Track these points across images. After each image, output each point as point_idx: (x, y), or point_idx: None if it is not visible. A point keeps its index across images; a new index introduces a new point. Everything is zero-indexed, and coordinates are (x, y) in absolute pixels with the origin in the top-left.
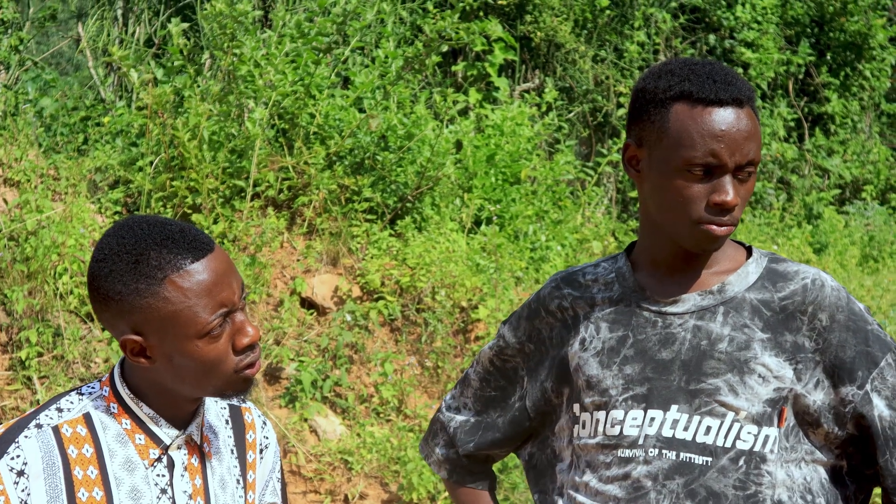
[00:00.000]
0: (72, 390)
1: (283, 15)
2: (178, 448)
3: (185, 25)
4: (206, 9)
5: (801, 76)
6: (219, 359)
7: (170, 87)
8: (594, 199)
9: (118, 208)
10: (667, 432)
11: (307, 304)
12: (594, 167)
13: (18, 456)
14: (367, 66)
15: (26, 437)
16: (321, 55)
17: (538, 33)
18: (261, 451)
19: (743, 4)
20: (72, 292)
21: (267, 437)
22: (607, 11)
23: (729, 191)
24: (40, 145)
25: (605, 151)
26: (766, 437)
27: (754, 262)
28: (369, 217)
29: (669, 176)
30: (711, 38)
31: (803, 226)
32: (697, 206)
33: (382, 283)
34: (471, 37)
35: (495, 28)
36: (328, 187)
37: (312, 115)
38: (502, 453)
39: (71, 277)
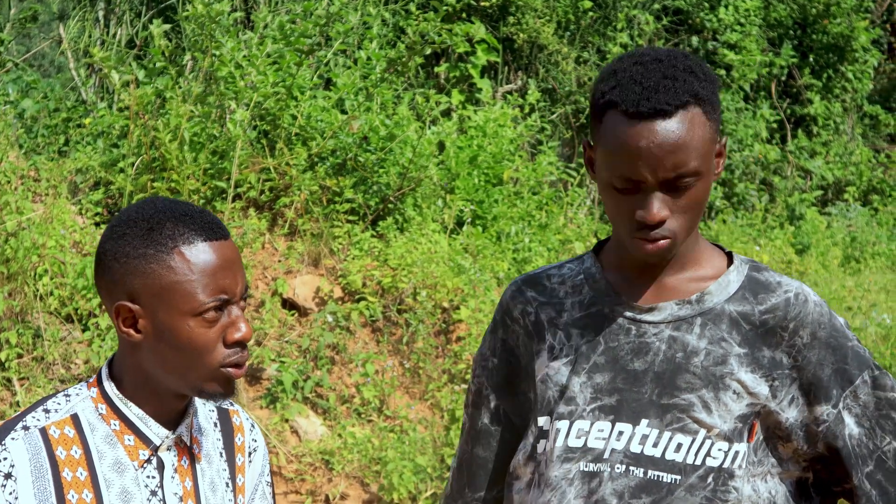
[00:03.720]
0: (58, 392)
1: (265, 16)
2: (168, 449)
3: (167, 27)
4: (187, 10)
5: (783, 78)
6: (206, 346)
7: (151, 88)
8: (576, 200)
9: (99, 210)
10: (635, 448)
11: (288, 304)
12: (577, 168)
13: (5, 458)
14: (349, 68)
15: (13, 439)
16: (303, 57)
17: (521, 35)
18: (249, 454)
19: (726, 6)
20: (52, 294)
21: (255, 441)
22: (590, 13)
23: (650, 207)
24: (21, 146)
25: None
26: (736, 452)
27: (735, 271)
28: (351, 218)
29: (604, 186)
30: (694, 39)
31: (786, 227)
32: (626, 220)
33: (364, 284)
34: (453, 38)
35: (478, 29)
36: (310, 188)
37: (294, 117)
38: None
39: (51, 279)
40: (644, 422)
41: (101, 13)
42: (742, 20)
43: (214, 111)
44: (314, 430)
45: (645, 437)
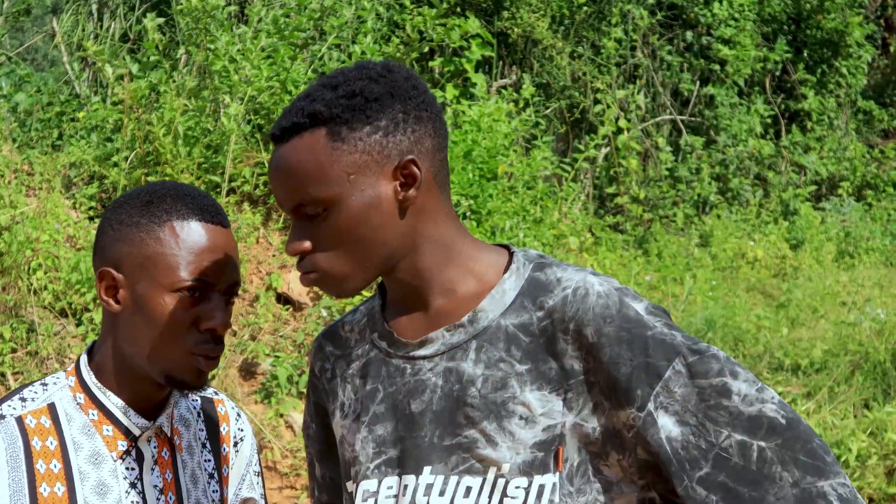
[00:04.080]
0: (36, 381)
1: (259, 10)
2: (148, 441)
3: (161, 20)
4: (181, 3)
5: (777, 73)
6: (177, 326)
7: (145, 82)
8: (571, 195)
9: (93, 204)
10: (420, 500)
11: (283, 299)
12: (571, 163)
13: None
14: (343, 62)
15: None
16: (297, 51)
17: (515, 29)
18: (235, 444)
19: (720, 1)
20: (46, 288)
21: (242, 430)
22: (584, 8)
23: (290, 237)
24: (14, 140)
25: (581, 147)
26: (541, 486)
27: (513, 275)
28: None
29: None
30: (689, 34)
31: (780, 222)
32: None
33: None
34: (448, 33)
35: (472, 24)
36: None
37: None
38: None
39: (45, 273)
40: (427, 469)
41: (94, 7)
42: (736, 15)
43: (209, 105)
44: None
45: (430, 486)
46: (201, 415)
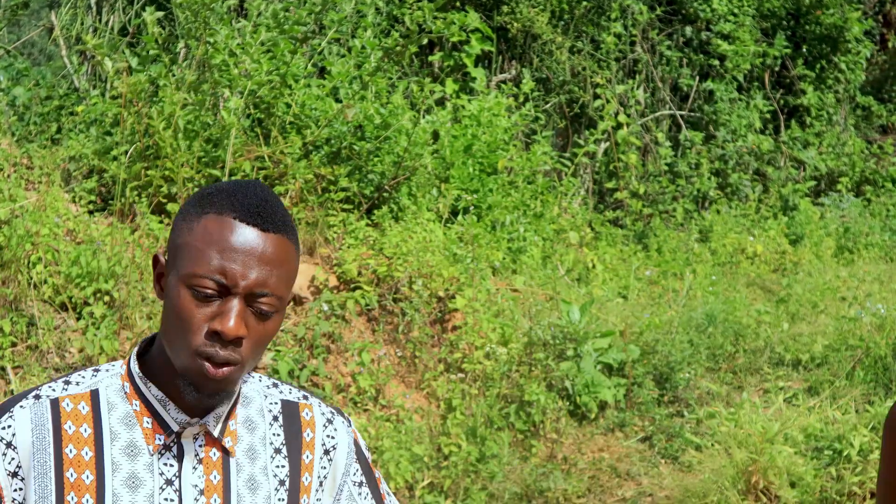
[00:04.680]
0: (91, 366)
1: (259, 4)
2: (194, 438)
3: (160, 14)
4: None
5: (777, 68)
6: (188, 321)
7: (144, 76)
8: (571, 190)
9: (92, 197)
10: None
11: None
12: (571, 158)
13: (9, 426)
14: (343, 56)
15: (21, 407)
16: (297, 45)
17: (515, 24)
18: (326, 451)
19: None
20: (46, 282)
21: (333, 437)
22: (584, 3)
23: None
24: (13, 134)
25: (581, 142)
26: None
27: None
28: (346, 207)
29: None
30: (688, 29)
31: (779, 217)
32: None
33: (359, 273)
34: (448, 28)
35: (472, 18)
36: (304, 177)
37: (288, 105)
38: None
39: (45, 267)
40: None
41: (93, 1)
42: (735, 10)
43: (208, 99)
44: None
45: None
46: (278, 418)
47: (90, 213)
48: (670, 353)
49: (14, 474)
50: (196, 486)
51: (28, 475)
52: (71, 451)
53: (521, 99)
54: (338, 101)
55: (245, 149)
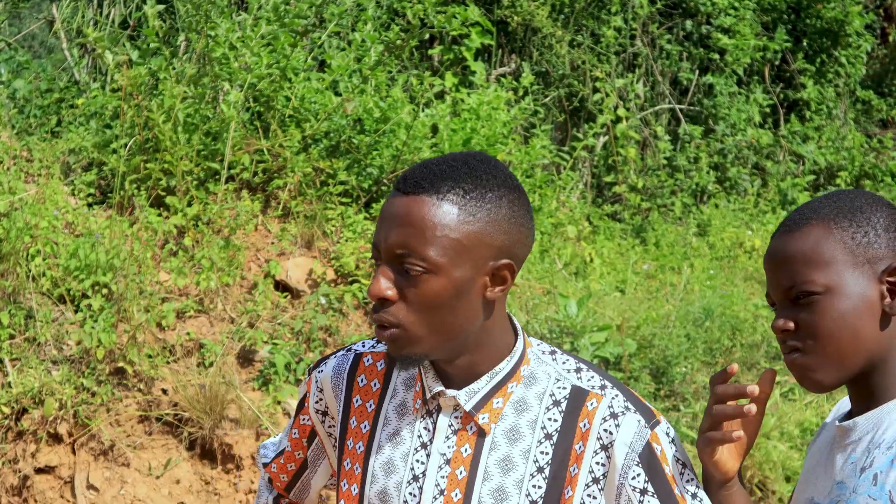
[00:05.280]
0: None
1: None
2: (455, 409)
3: (161, 7)
4: None
5: (777, 62)
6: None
7: (145, 68)
8: (569, 184)
9: (92, 190)
10: None
11: (281, 287)
12: (569, 152)
13: (321, 372)
14: (343, 50)
15: (335, 356)
16: (297, 38)
17: (515, 17)
18: (604, 447)
19: None
20: (44, 274)
21: (611, 433)
22: None
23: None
24: (13, 127)
25: (580, 136)
26: None
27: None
28: (344, 200)
29: None
30: (688, 23)
31: (778, 211)
32: None
33: (357, 267)
34: (450, 22)
35: (472, 12)
36: (303, 170)
37: (288, 98)
38: None
39: (44, 259)
40: None
41: None
42: (736, 4)
43: (208, 92)
44: None
45: None
46: (561, 404)
47: (89, 205)
48: (667, 347)
49: (325, 413)
50: (444, 454)
51: (335, 416)
52: (357, 402)
53: (521, 93)
54: (337, 94)
55: (244, 142)
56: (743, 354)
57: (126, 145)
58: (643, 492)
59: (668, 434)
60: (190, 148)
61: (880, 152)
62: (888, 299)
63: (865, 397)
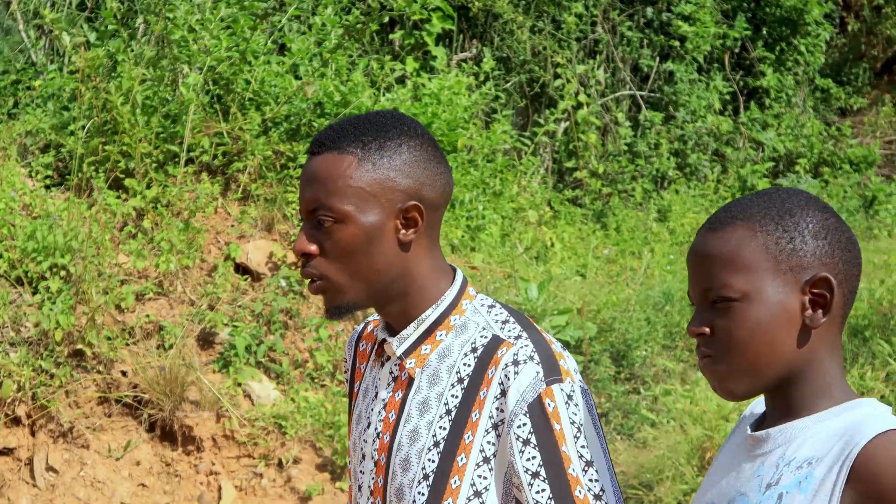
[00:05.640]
0: None
1: None
2: (399, 358)
3: None
4: None
5: (737, 50)
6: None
7: (103, 50)
8: (530, 169)
9: (49, 172)
10: None
11: (241, 269)
12: (531, 137)
13: (346, 342)
14: (303, 33)
15: (355, 327)
16: (257, 21)
17: (476, 3)
18: (503, 392)
19: None
20: (1, 256)
21: (509, 379)
22: None
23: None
24: None
25: (541, 121)
26: None
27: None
28: None
29: None
30: (649, 11)
31: (737, 197)
32: None
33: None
34: (410, 6)
35: None
36: (263, 153)
37: (248, 82)
38: None
39: (0, 241)
40: None
41: None
42: None
43: (167, 75)
44: (267, 394)
45: None
46: (477, 351)
47: (47, 187)
48: (627, 330)
49: (348, 380)
50: (384, 400)
51: (348, 381)
52: (361, 367)
53: (482, 78)
54: (297, 78)
55: (204, 125)
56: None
57: (84, 127)
58: (525, 442)
59: (568, 395)
60: (149, 130)
61: (839, 140)
62: (809, 311)
63: (781, 408)
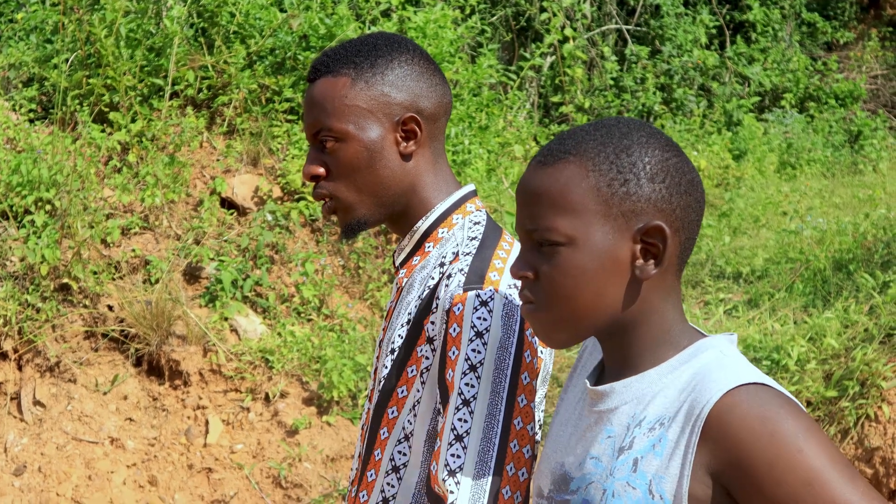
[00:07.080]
0: None
1: None
2: (401, 268)
3: None
4: None
5: None
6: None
7: None
8: (516, 104)
9: (33, 106)
10: None
11: (227, 204)
12: (516, 71)
13: None
14: None
15: None
16: None
17: None
18: (437, 306)
19: None
20: None
21: (445, 289)
22: None
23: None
24: None
25: (527, 56)
26: None
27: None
28: (290, 118)
29: None
30: None
31: (723, 132)
32: None
33: (303, 184)
34: None
35: None
36: (248, 87)
37: (232, 14)
38: None
39: None
40: None
41: None
42: None
43: (151, 7)
44: (254, 328)
45: None
46: (445, 265)
47: (31, 121)
48: None
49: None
50: (385, 309)
51: None
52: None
53: (468, 11)
54: (282, 10)
55: (188, 58)
56: (687, 273)
57: (67, 60)
58: (430, 340)
59: (483, 302)
60: (133, 63)
61: (825, 75)
62: (640, 261)
63: (619, 359)
